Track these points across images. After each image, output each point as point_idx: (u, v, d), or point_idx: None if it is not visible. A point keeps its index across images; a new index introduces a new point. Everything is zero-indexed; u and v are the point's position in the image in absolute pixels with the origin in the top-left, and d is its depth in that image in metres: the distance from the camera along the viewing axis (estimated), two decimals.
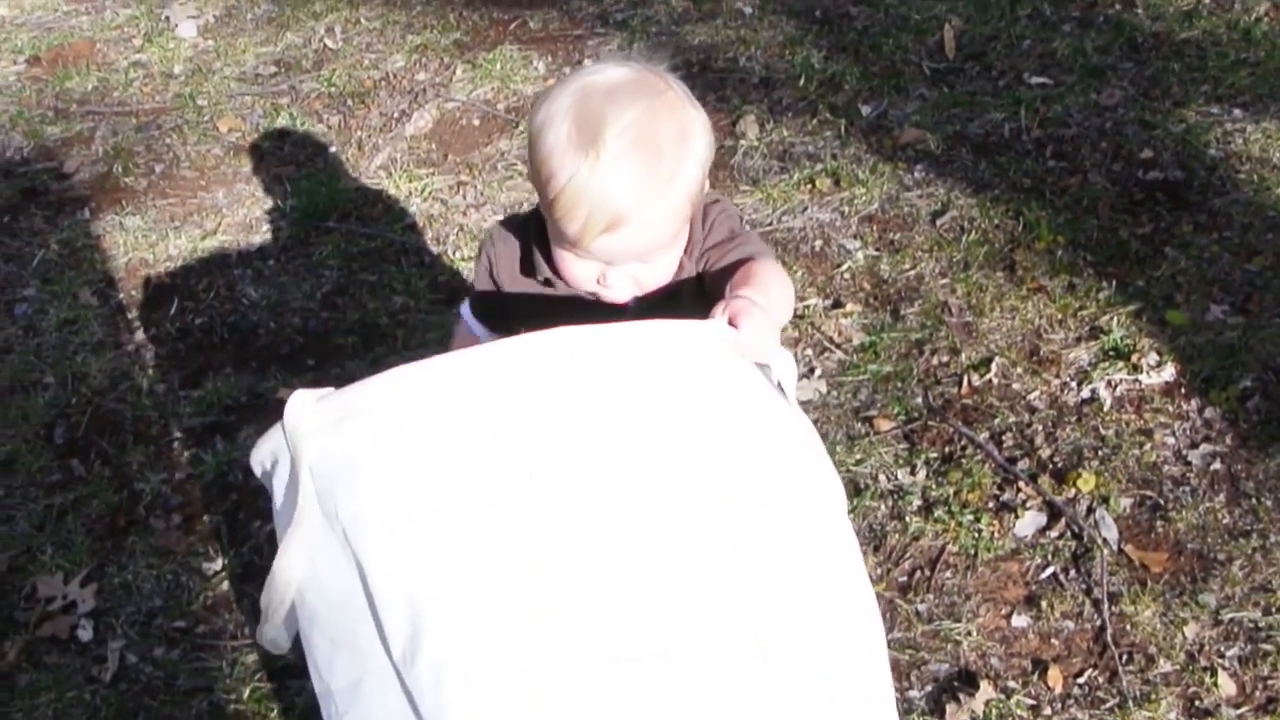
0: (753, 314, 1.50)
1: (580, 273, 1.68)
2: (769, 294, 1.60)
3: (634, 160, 1.54)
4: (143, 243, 3.59)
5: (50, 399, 3.07)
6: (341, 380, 2.99)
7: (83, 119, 4.18)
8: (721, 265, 1.75)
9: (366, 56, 4.40)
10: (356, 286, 3.36)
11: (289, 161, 3.91)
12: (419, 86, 4.22)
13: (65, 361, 3.18)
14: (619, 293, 1.71)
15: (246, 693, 2.37)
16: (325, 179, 3.75)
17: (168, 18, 4.71)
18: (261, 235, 3.61)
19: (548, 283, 1.77)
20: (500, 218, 1.91)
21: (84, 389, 3.10)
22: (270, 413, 2.94)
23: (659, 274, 1.70)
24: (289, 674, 2.39)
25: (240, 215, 3.69)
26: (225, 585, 2.60)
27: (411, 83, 4.24)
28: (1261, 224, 3.22)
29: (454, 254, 3.44)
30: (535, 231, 1.77)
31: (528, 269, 1.80)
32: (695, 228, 1.76)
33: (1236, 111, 3.61)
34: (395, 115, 4.08)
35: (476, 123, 4.02)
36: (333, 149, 3.95)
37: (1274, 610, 2.37)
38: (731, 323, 1.49)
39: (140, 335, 3.27)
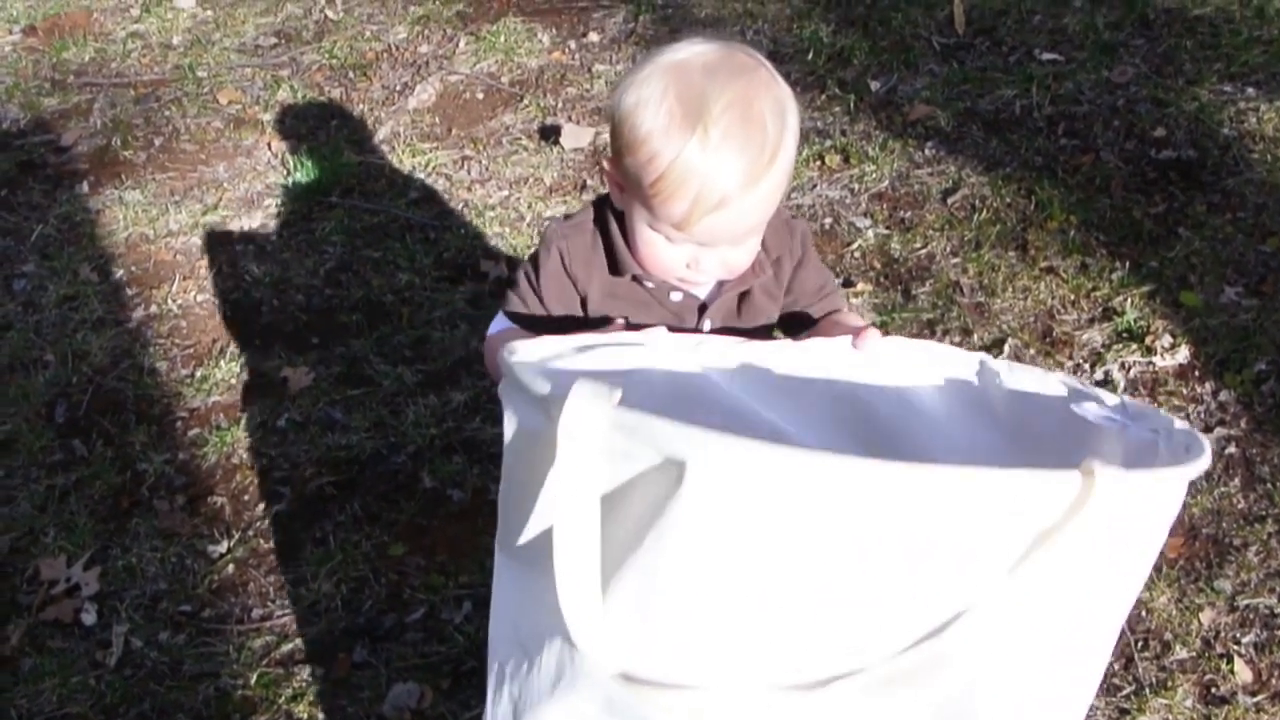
0: None
1: (670, 259, 1.65)
2: None
3: (741, 137, 1.52)
4: (143, 217, 3.55)
5: (50, 377, 3.03)
6: (346, 360, 2.98)
7: (80, 90, 4.13)
8: (808, 305, 1.83)
9: (368, 28, 4.35)
10: (360, 263, 3.32)
11: (290, 135, 3.86)
12: (421, 59, 4.17)
13: (65, 339, 3.14)
14: (708, 277, 1.69)
15: (254, 678, 2.34)
16: (327, 153, 3.70)
17: None
18: (263, 210, 3.56)
19: (635, 279, 1.73)
20: (559, 214, 1.87)
21: (85, 367, 3.06)
22: (273, 392, 2.93)
23: (745, 257, 1.68)
24: (297, 659, 2.37)
25: (241, 190, 3.65)
26: (231, 568, 2.57)
27: (414, 55, 4.19)
28: (1276, 205, 3.18)
29: (459, 230, 3.40)
30: (602, 225, 1.74)
31: (613, 265, 1.74)
32: (780, 232, 1.77)
33: (1250, 90, 3.57)
34: (398, 88, 4.04)
35: (480, 96, 3.97)
36: (334, 122, 3.90)
37: None
38: None
39: (141, 312, 3.23)
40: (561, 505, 1.13)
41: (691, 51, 1.57)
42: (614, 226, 1.71)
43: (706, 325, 1.77)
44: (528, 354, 1.34)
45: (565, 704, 1.26)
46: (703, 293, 1.76)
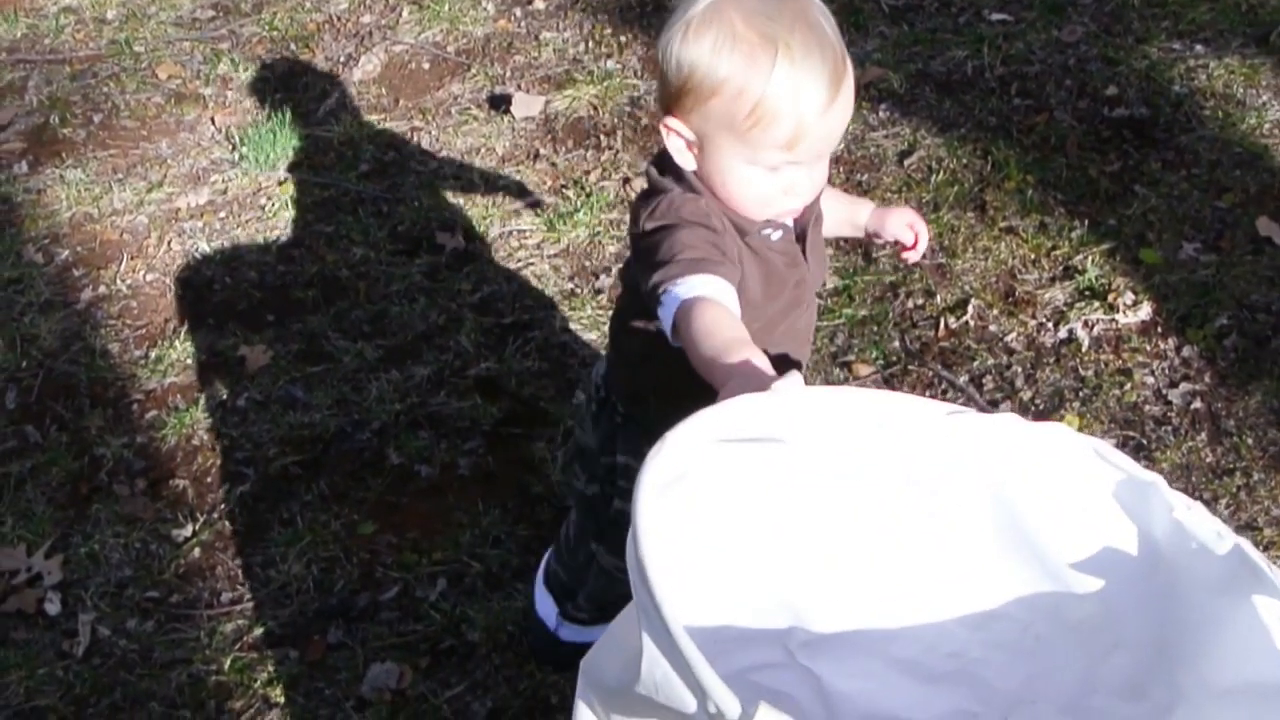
0: None
1: (769, 191, 1.61)
2: None
3: (816, 45, 1.51)
4: (86, 196, 3.46)
5: None
6: (304, 337, 2.93)
7: (13, 68, 4.01)
8: None
9: None
10: (313, 238, 3.26)
11: (233, 109, 3.78)
12: (364, 29, 4.09)
13: (13, 323, 3.05)
14: (803, 199, 1.64)
15: (227, 663, 2.30)
16: (273, 127, 3.63)
17: None
18: (209, 186, 3.49)
19: (743, 234, 1.67)
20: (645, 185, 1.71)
21: (34, 351, 2.98)
22: (231, 371, 2.86)
23: (826, 168, 1.66)
24: (270, 642, 2.33)
25: (186, 166, 3.57)
26: (197, 552, 2.52)
27: (357, 25, 4.11)
28: (1229, 160, 3.20)
29: (412, 202, 3.34)
30: (691, 188, 1.65)
31: (735, 228, 1.66)
32: None
33: (1198, 47, 3.59)
34: (341, 59, 3.96)
35: (426, 66, 3.91)
36: (278, 95, 3.82)
37: (1261, 548, 2.36)
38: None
39: (89, 293, 3.15)
40: None
41: None
42: (704, 191, 1.64)
43: (810, 259, 1.75)
44: (661, 470, 1.19)
45: None
46: (790, 223, 1.72)
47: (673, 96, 1.59)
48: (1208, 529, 1.29)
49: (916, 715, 1.48)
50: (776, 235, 1.70)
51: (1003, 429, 1.37)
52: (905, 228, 1.94)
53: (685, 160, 1.62)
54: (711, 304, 1.50)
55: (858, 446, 1.37)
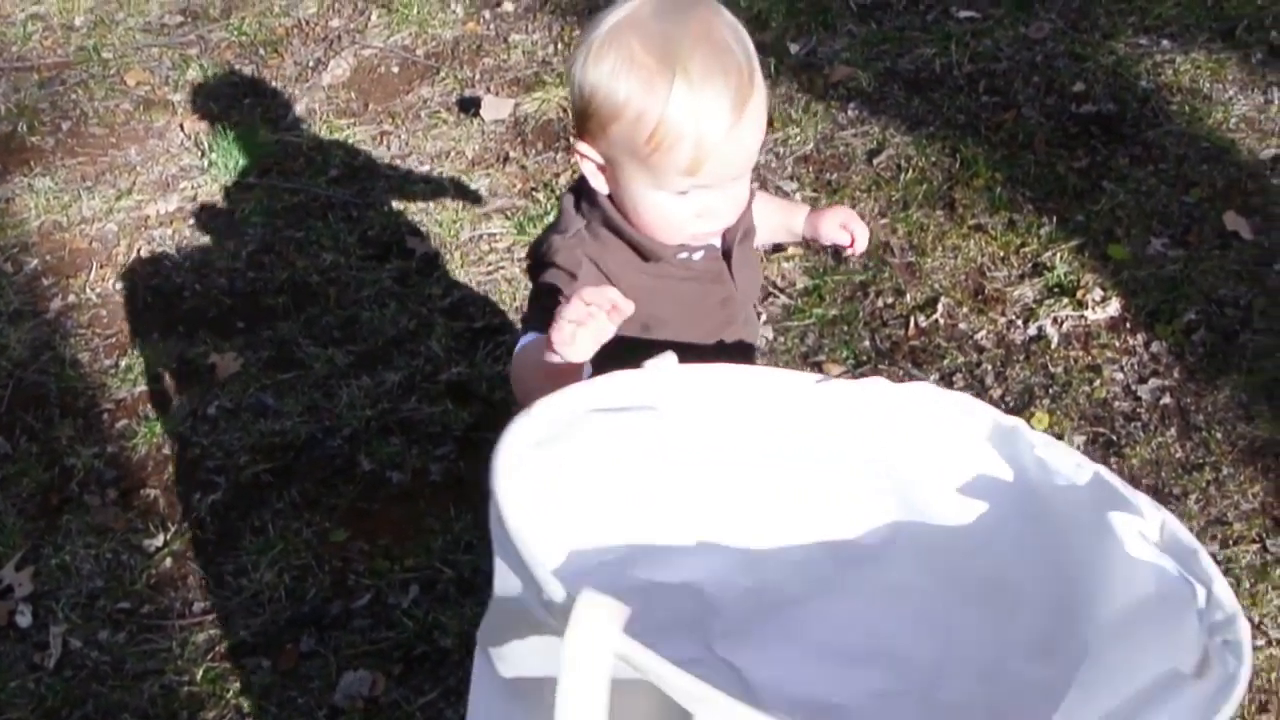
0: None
1: (679, 216, 1.58)
2: None
3: (719, 65, 1.48)
4: (54, 204, 3.45)
5: None
6: (275, 344, 2.92)
7: None
8: None
9: (276, 3, 4.25)
10: (283, 244, 3.26)
11: (202, 115, 3.77)
12: (333, 33, 4.08)
13: None
14: (722, 221, 1.62)
15: (200, 673, 2.29)
16: (242, 133, 3.62)
17: None
18: (179, 193, 3.48)
19: (663, 259, 1.66)
20: (546, 229, 1.73)
21: (3, 361, 2.97)
22: (201, 379, 2.86)
23: (746, 188, 1.64)
24: (243, 652, 2.33)
25: (155, 173, 3.55)
26: (168, 562, 2.51)
27: (325, 29, 4.11)
28: (1196, 155, 3.22)
29: (382, 207, 3.34)
30: (606, 222, 1.64)
31: (645, 254, 1.64)
32: None
33: (1165, 42, 3.61)
34: (310, 64, 3.95)
35: (396, 70, 3.90)
36: (247, 101, 3.82)
37: (1230, 543, 2.38)
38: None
39: (59, 302, 3.14)
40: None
41: (630, 6, 1.52)
42: (616, 215, 1.62)
43: (738, 279, 1.72)
44: (521, 435, 1.21)
45: None
46: (716, 241, 1.70)
47: (580, 120, 1.57)
48: (1068, 462, 1.31)
49: (843, 699, 1.48)
50: (698, 255, 1.68)
51: (873, 393, 1.39)
52: (839, 229, 1.93)
53: (599, 184, 1.61)
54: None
55: (737, 420, 1.38)
